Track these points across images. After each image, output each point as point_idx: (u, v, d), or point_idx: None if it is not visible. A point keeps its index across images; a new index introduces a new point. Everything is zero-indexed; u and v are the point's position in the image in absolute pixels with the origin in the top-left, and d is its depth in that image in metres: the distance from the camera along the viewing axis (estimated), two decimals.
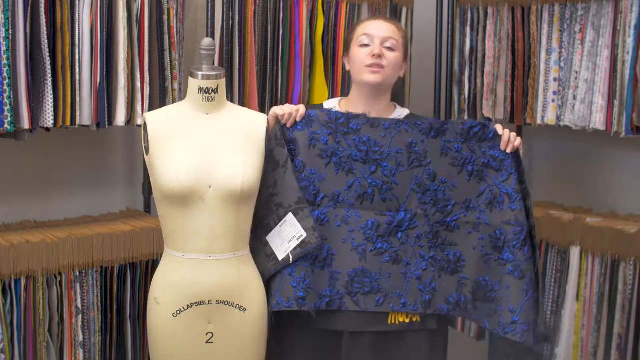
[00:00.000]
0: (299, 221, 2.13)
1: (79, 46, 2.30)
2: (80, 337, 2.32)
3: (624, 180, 2.90)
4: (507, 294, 2.11)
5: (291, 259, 2.11)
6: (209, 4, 2.56)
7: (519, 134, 2.61)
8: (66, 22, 2.27)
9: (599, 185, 2.97)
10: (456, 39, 3.05)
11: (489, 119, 2.91)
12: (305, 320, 2.12)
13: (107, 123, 2.36)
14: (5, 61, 2.14)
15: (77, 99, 2.30)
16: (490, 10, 2.91)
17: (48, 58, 2.24)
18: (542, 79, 2.76)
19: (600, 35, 2.58)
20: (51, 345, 2.27)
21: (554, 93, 2.74)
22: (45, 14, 2.21)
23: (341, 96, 2.48)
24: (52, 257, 2.26)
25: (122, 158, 2.82)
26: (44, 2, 2.21)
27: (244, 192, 2.04)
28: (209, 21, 2.56)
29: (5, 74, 2.14)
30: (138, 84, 2.42)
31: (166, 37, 2.47)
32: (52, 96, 2.25)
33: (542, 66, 2.76)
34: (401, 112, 2.31)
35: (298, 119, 2.18)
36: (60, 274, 2.28)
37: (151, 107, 2.43)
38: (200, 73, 2.09)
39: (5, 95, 2.15)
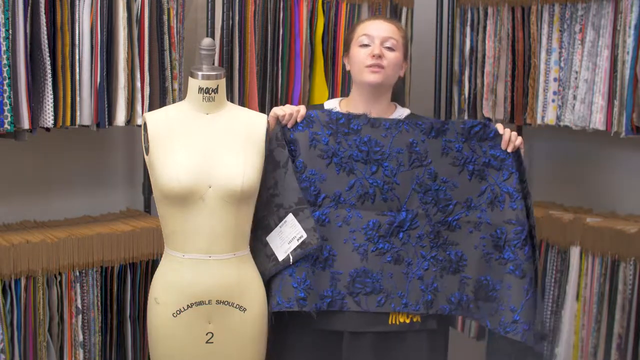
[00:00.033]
0: (299, 222, 2.12)
1: (79, 46, 2.30)
2: (80, 337, 2.32)
3: (624, 180, 2.89)
4: (508, 293, 2.11)
5: (291, 260, 2.11)
6: (209, 4, 2.56)
7: (519, 133, 2.60)
8: (66, 22, 2.26)
9: (599, 185, 2.97)
10: (456, 39, 3.05)
11: (489, 119, 2.91)
12: (305, 320, 2.12)
13: (107, 123, 2.36)
14: (5, 61, 2.14)
15: (77, 99, 2.30)
16: (490, 10, 2.91)
17: (48, 58, 2.23)
18: (542, 79, 2.76)
19: (600, 35, 2.58)
20: (51, 345, 2.27)
21: (554, 93, 2.74)
22: (45, 14, 2.21)
23: (341, 96, 2.48)
24: (52, 257, 2.26)
25: (122, 158, 2.82)
26: (44, 2, 2.21)
27: (244, 192, 2.03)
28: (209, 21, 2.56)
29: (5, 74, 2.14)
30: (138, 84, 2.42)
31: (166, 37, 2.47)
32: (52, 96, 2.25)
33: (542, 66, 2.76)
34: (402, 112, 2.30)
35: (299, 120, 2.18)
36: (60, 274, 2.28)
37: (151, 107, 2.43)
38: (200, 73, 2.09)
39: (5, 95, 2.14)
